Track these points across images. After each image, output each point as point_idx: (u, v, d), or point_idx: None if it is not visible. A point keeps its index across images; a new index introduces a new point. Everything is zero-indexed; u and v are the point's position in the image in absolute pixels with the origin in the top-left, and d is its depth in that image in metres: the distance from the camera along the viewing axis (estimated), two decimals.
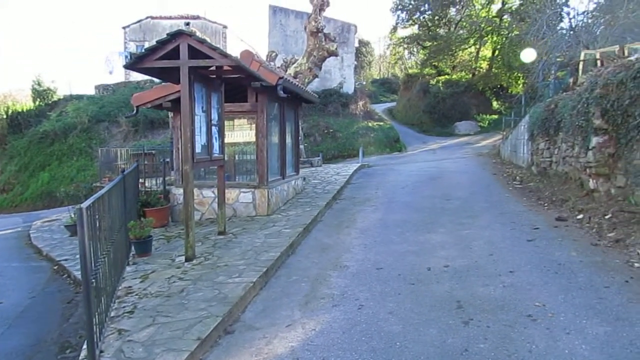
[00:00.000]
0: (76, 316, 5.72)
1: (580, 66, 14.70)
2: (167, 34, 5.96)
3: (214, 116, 7.12)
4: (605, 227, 7.13)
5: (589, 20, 23.17)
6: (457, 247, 6.78)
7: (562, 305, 4.48)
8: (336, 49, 15.82)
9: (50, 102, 32.89)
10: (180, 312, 4.56)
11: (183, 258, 6.38)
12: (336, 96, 32.08)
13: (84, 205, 3.49)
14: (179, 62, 6.04)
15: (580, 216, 8.07)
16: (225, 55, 6.15)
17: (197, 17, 36.88)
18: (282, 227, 8.05)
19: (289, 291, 5.34)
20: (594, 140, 8.41)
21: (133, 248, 6.89)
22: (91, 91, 34.14)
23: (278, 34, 33.01)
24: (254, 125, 9.47)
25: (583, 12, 23.86)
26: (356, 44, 39.90)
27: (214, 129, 7.14)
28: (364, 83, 46.85)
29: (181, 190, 9.65)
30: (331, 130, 28.63)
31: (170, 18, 36.57)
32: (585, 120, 8.91)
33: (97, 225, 4.19)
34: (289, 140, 11.43)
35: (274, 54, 21.15)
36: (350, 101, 32.52)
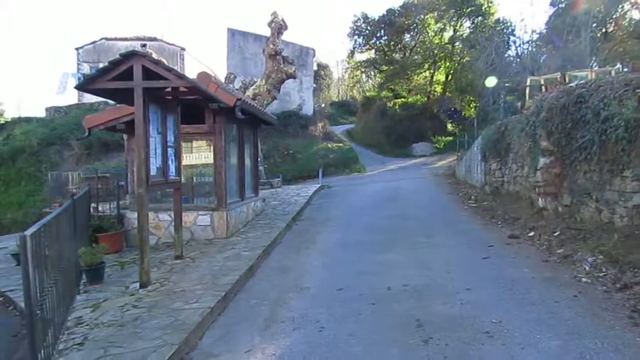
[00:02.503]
0: (23, 350, 5.34)
1: (527, 91, 15.53)
2: (120, 55, 5.84)
3: (170, 138, 6.98)
4: (554, 244, 7.43)
5: (533, 49, 24.65)
6: (416, 266, 6.86)
7: (516, 320, 4.60)
8: (294, 71, 16.01)
9: None
10: (134, 342, 4.35)
11: (137, 285, 6.11)
12: (295, 118, 32.29)
13: (28, 232, 3.30)
14: (132, 83, 5.90)
15: (532, 234, 8.39)
16: (180, 77, 6.08)
17: (154, 39, 36.42)
18: (241, 250, 7.91)
19: (248, 315, 5.21)
20: (542, 161, 8.83)
21: (84, 276, 6.56)
22: (42, 113, 32.77)
23: (237, 57, 33.06)
24: (212, 147, 9.34)
25: (527, 41, 25.35)
26: (315, 67, 40.58)
27: (170, 151, 6.99)
28: (323, 105, 47.41)
29: (136, 214, 9.31)
30: (291, 152, 28.69)
31: (126, 39, 35.90)
32: (533, 142, 9.36)
33: (44, 253, 3.98)
34: (247, 161, 11.35)
35: (232, 76, 21.10)
36: (309, 123, 32.80)
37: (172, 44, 37.07)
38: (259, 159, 20.87)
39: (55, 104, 33.05)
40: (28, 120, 30.47)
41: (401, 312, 4.98)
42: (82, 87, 5.98)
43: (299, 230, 10.18)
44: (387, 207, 12.81)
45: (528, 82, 15.91)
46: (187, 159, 9.84)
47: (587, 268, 6.15)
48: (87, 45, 35.46)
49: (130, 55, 5.91)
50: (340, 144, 32.57)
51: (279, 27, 15.52)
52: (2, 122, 31.63)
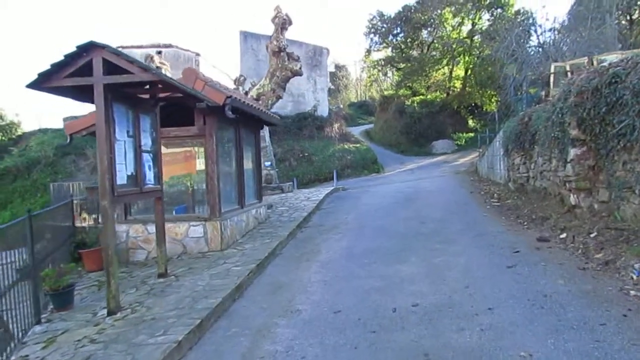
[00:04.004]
0: None
1: (551, 79, 14.32)
2: (77, 46, 5.08)
3: (146, 141, 6.21)
4: (591, 247, 6.39)
5: (557, 37, 23.19)
6: (429, 279, 5.91)
7: (552, 353, 3.63)
8: (300, 68, 15.13)
9: (14, 136, 31.57)
10: None
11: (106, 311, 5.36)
12: (310, 119, 31.56)
13: None
14: (92, 79, 5.16)
15: (564, 235, 7.33)
16: (145, 69, 5.30)
17: (170, 46, 36.23)
18: (233, 265, 7.06)
19: (223, 350, 4.35)
20: (572, 152, 7.74)
21: (51, 302, 5.83)
22: (61, 124, 32.99)
23: (250, 59, 32.54)
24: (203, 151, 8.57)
25: (550, 29, 23.94)
26: (332, 68, 39.76)
27: (146, 156, 6.22)
28: (342, 106, 46.44)
29: (124, 227, 8.68)
30: (306, 154, 27.90)
31: (141, 47, 35.75)
32: (561, 131, 8.27)
33: None
34: (248, 165, 10.54)
35: (242, 78, 20.41)
36: (325, 124, 32.01)
37: (187, 50, 36.84)
38: (271, 163, 20.15)
39: (72, 114, 33.18)
40: (44, 131, 30.55)
41: (406, 344, 4.05)
42: (35, 85, 5.24)
43: (303, 239, 9.30)
44: (403, 209, 11.84)
45: (552, 69, 14.67)
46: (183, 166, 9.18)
47: (634, 277, 5.12)
48: None
49: (88, 46, 5.15)
50: (358, 145, 31.63)
51: (282, 22, 14.70)
52: (19, 133, 31.81)
